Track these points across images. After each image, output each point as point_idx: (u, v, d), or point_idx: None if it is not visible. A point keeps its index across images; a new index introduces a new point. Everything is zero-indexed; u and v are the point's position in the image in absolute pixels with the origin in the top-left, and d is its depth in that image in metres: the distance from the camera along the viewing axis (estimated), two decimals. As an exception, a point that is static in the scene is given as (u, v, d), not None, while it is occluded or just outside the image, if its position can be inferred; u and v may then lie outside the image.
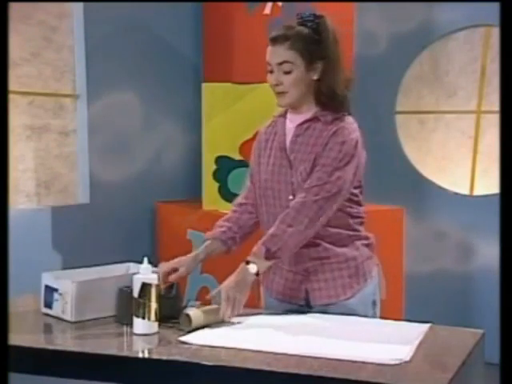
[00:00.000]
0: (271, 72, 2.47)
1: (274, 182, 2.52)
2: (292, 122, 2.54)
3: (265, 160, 2.57)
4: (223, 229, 2.59)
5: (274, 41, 2.46)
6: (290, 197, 2.48)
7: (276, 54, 2.45)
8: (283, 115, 2.59)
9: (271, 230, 2.42)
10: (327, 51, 2.46)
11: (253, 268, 2.37)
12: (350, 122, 2.51)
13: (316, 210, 2.40)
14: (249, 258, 2.39)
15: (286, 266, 2.53)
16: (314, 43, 2.45)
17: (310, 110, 2.51)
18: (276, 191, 2.51)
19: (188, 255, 2.55)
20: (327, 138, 2.45)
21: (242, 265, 2.39)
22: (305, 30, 2.44)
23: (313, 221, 2.40)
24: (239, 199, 2.68)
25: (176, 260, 2.53)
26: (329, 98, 2.49)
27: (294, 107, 2.52)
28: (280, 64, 2.44)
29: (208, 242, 2.58)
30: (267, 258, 2.38)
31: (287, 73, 2.44)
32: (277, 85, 2.46)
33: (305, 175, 2.46)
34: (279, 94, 2.48)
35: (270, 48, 2.47)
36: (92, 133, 4.51)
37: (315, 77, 2.47)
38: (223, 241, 2.57)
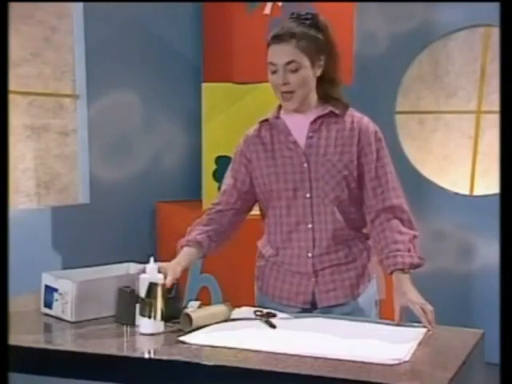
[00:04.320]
0: (274, 72, 2.40)
1: (288, 183, 2.45)
2: (292, 120, 2.49)
3: (266, 162, 2.48)
4: (202, 234, 2.47)
5: (279, 39, 2.38)
6: (307, 195, 2.44)
7: (282, 54, 2.38)
8: (276, 116, 2.52)
9: (405, 243, 2.39)
10: (327, 47, 2.44)
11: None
12: (358, 113, 2.53)
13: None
14: (405, 268, 2.36)
15: (295, 268, 2.50)
16: (315, 40, 2.41)
17: (313, 108, 2.48)
18: (290, 190, 2.44)
19: (170, 263, 2.39)
20: (355, 131, 2.46)
21: (402, 275, 2.36)
22: (305, 28, 2.41)
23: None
24: (218, 206, 2.55)
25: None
26: (330, 93, 2.49)
27: (299, 109, 2.47)
28: (287, 64, 2.38)
29: (187, 248, 2.46)
30: (412, 268, 2.38)
31: (294, 72, 2.38)
32: (285, 84, 2.39)
33: (334, 172, 2.43)
34: (286, 94, 2.41)
35: (274, 47, 2.40)
36: (92, 133, 4.51)
37: (318, 73, 2.44)
38: (203, 246, 2.47)
